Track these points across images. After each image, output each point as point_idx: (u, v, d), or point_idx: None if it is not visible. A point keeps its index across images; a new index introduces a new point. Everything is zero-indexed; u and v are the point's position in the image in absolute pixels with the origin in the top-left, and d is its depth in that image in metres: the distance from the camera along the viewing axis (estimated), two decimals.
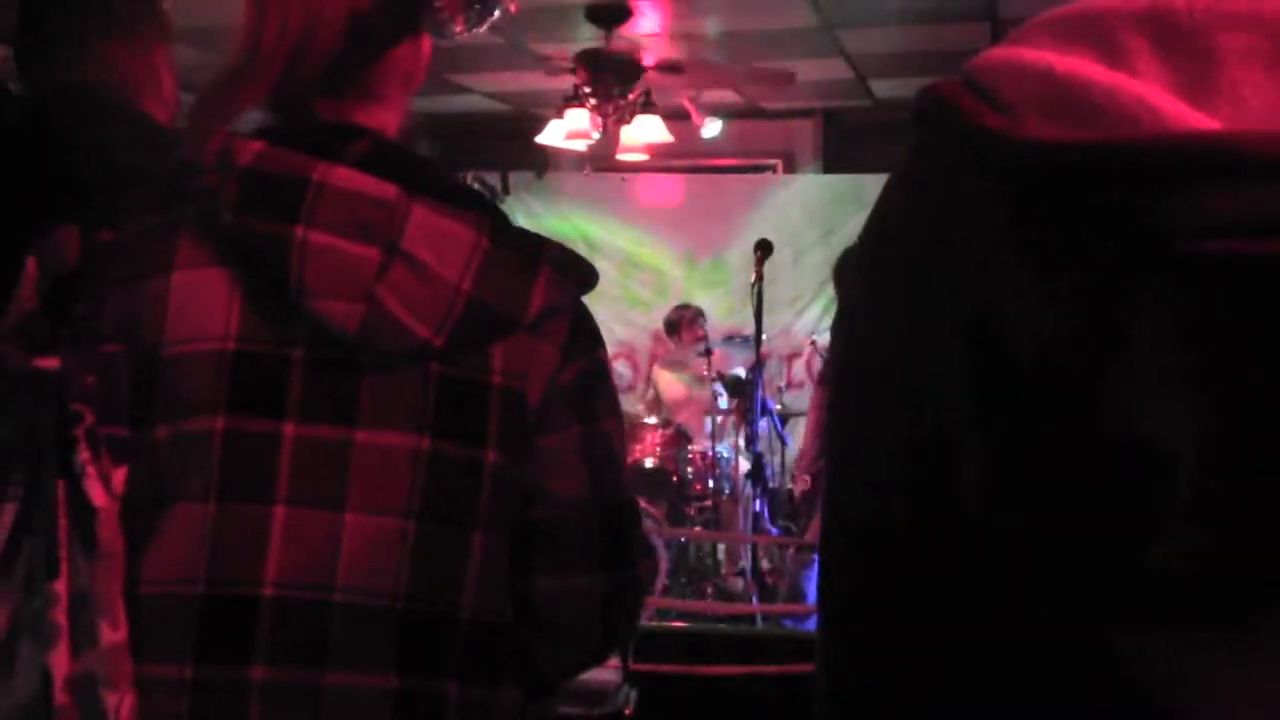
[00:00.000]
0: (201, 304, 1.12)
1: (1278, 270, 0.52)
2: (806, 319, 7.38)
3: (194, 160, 1.13)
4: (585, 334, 1.22)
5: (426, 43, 1.24)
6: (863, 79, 7.17)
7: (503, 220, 1.18)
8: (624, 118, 5.98)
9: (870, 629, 0.66)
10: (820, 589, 0.70)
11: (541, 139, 6.33)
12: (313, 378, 1.12)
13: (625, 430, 1.29)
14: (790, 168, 8.23)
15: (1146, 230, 0.54)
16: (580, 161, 7.60)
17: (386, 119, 1.22)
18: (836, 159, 8.06)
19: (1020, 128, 0.58)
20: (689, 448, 6.03)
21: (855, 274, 0.71)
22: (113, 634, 1.06)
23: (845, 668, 0.68)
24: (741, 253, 6.76)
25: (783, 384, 7.13)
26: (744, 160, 8.15)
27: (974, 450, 0.59)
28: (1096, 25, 0.60)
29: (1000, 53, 0.62)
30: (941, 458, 0.61)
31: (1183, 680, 0.56)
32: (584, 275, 1.20)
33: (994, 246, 0.59)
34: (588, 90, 5.78)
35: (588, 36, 5.86)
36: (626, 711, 2.51)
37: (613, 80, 5.75)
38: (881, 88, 7.36)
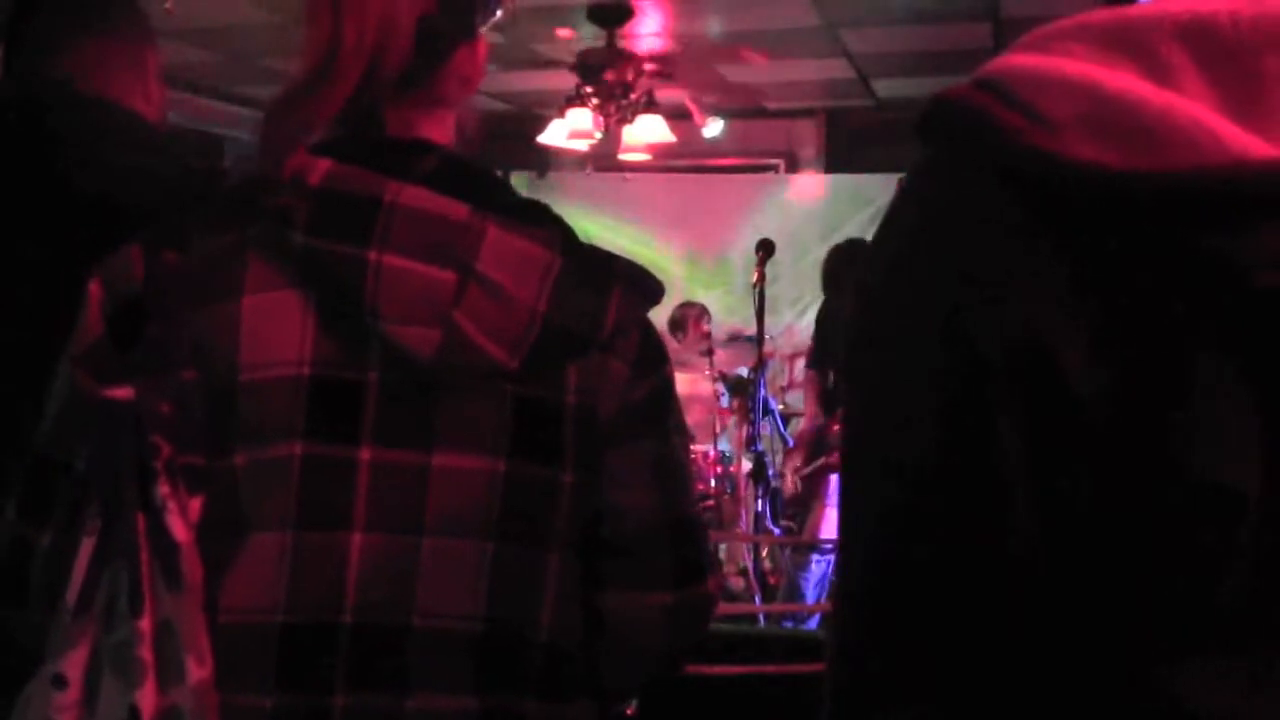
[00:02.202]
0: (275, 328, 1.10)
1: None
2: (808, 319, 7.36)
3: (260, 177, 1.11)
4: (654, 350, 1.21)
5: (483, 44, 1.22)
6: (865, 79, 7.16)
7: (571, 236, 1.17)
8: (626, 117, 5.97)
9: (897, 659, 0.63)
10: (841, 617, 0.67)
11: (543, 139, 6.31)
12: (388, 402, 1.11)
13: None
14: (792, 167, 8.22)
15: (1219, 264, 0.52)
16: (582, 161, 7.59)
17: (450, 122, 1.21)
18: (839, 159, 8.05)
19: (1067, 148, 0.55)
20: (690, 447, 6.02)
21: (867, 302, 0.67)
22: (199, 669, 1.05)
23: (869, 702, 0.65)
24: (743, 253, 6.76)
25: (785, 384, 7.12)
26: (746, 160, 8.15)
27: (1026, 487, 0.57)
28: (1135, 37, 0.57)
29: (1033, 62, 0.59)
30: (986, 494, 0.59)
31: (1235, 708, 0.54)
32: (651, 290, 1.20)
33: (1041, 276, 0.57)
34: (589, 90, 5.77)
35: (589, 36, 5.86)
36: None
37: (614, 80, 5.74)
38: (884, 87, 7.36)
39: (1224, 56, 0.55)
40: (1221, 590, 0.54)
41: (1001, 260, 0.58)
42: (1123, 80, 0.55)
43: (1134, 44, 0.57)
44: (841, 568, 0.68)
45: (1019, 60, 0.60)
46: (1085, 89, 0.56)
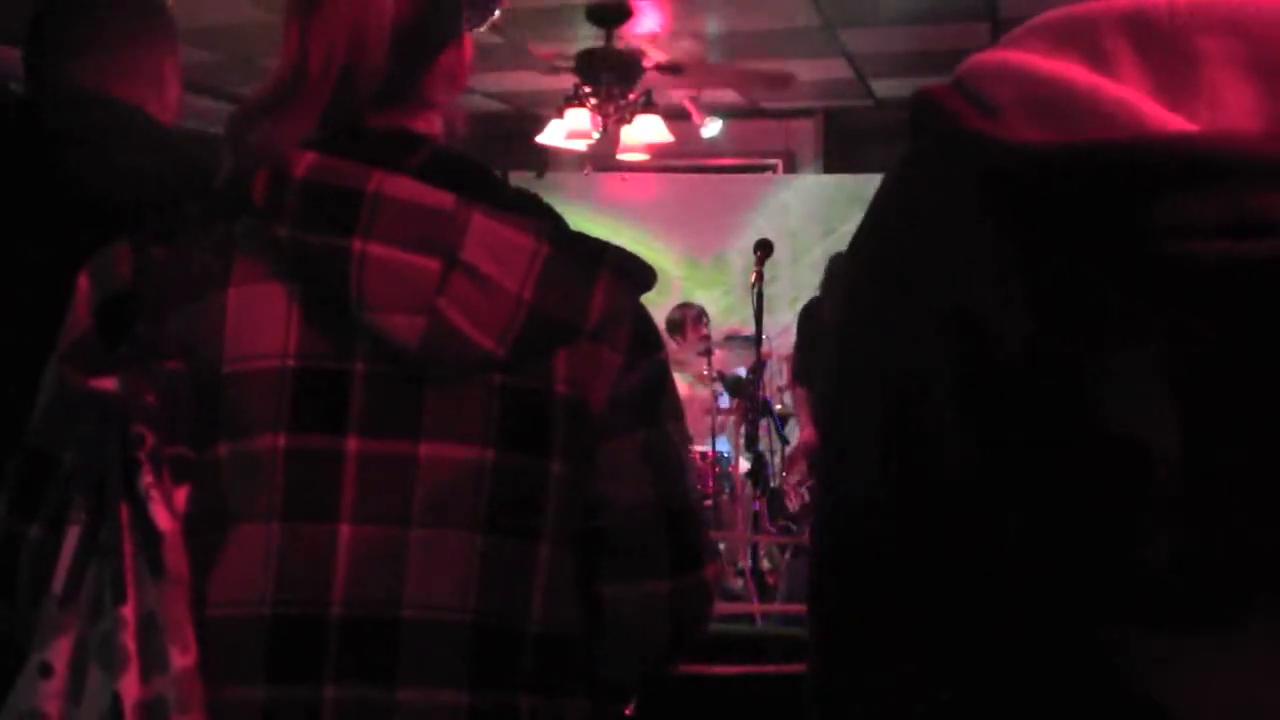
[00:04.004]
0: (260, 320, 1.10)
1: (1257, 270, 0.53)
2: None
3: (246, 173, 1.12)
4: (647, 337, 1.21)
5: (468, 41, 1.22)
6: (863, 79, 7.17)
7: (561, 225, 1.17)
8: (624, 117, 5.98)
9: (861, 625, 0.66)
10: (813, 592, 0.70)
11: (542, 139, 6.33)
12: (374, 392, 1.11)
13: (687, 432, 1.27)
14: (791, 167, 8.24)
15: (1128, 231, 0.55)
16: (580, 161, 7.60)
17: (437, 121, 1.21)
18: (837, 159, 8.07)
19: (1006, 129, 0.59)
20: (689, 447, 6.02)
21: (843, 278, 0.72)
22: (182, 658, 1.05)
23: (842, 673, 0.68)
24: (741, 253, 6.77)
25: (783, 384, 7.12)
26: (744, 160, 8.16)
27: (959, 446, 0.60)
28: (1082, 29, 0.61)
29: (990, 56, 0.64)
30: (927, 453, 0.61)
31: (1168, 674, 0.56)
32: (642, 276, 1.19)
33: (975, 246, 0.60)
34: (588, 90, 5.78)
35: (588, 36, 5.86)
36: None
37: (613, 80, 5.75)
38: (882, 88, 7.37)
39: (1159, 41, 0.58)
40: (1149, 554, 0.55)
41: (945, 235, 0.62)
42: (1058, 66, 0.60)
43: (1081, 36, 0.61)
44: (817, 538, 0.70)
45: (981, 56, 0.64)
46: (1023, 75, 0.60)
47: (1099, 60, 0.59)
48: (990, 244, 0.59)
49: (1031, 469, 0.59)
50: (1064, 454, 0.57)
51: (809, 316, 5.15)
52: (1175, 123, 0.55)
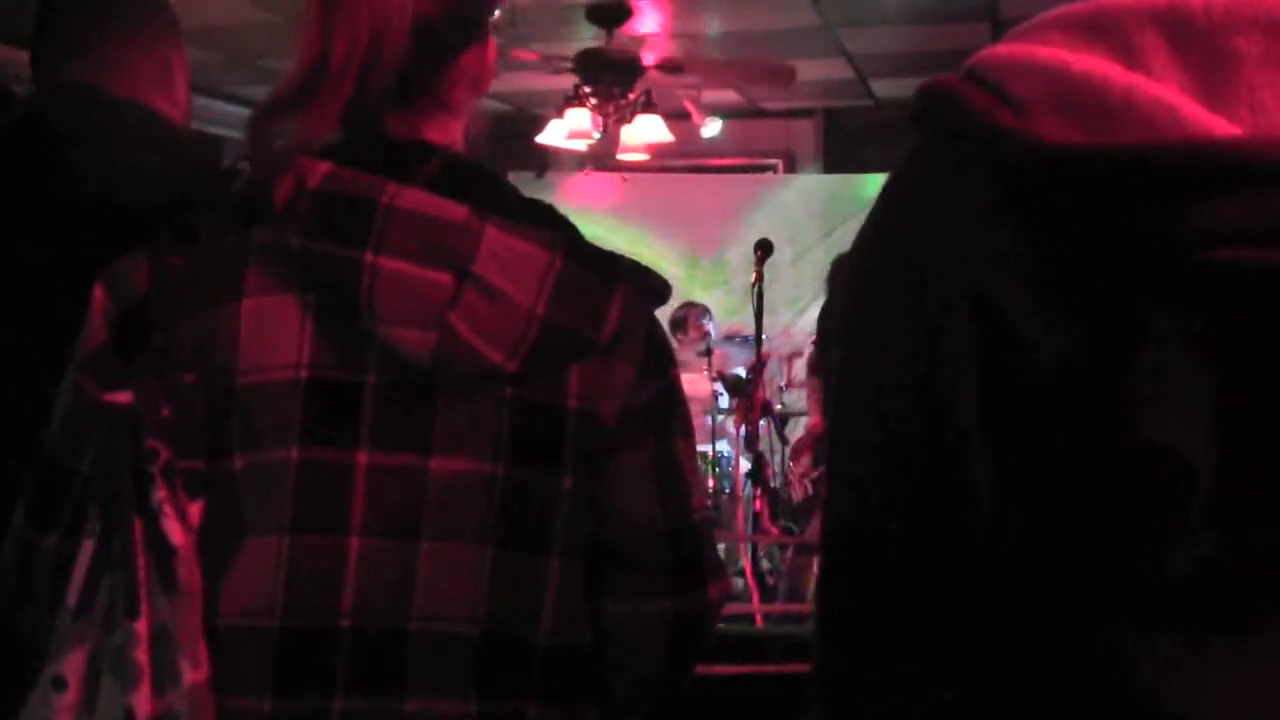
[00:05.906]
0: (273, 331, 1.10)
1: None
2: (807, 319, 7.37)
3: (260, 181, 1.11)
4: (660, 352, 1.20)
5: (492, 45, 1.21)
6: (864, 79, 7.17)
7: (576, 236, 1.16)
8: (624, 117, 5.97)
9: (872, 628, 0.65)
10: (820, 589, 0.70)
11: (542, 139, 6.31)
12: (385, 404, 1.10)
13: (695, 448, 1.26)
14: (791, 167, 8.23)
15: (1165, 238, 0.53)
16: (580, 161, 7.59)
17: (456, 127, 1.20)
18: (837, 159, 8.06)
19: (1032, 127, 0.57)
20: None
21: (849, 279, 0.70)
22: (194, 673, 1.05)
23: (846, 671, 0.67)
24: (742, 253, 6.77)
25: (783, 384, 7.13)
26: (745, 160, 8.16)
27: (983, 453, 0.59)
28: (1110, 23, 0.58)
29: (1009, 49, 0.61)
30: (947, 461, 0.60)
31: (1192, 682, 0.55)
32: (658, 290, 1.18)
33: (1000, 245, 0.58)
34: (588, 90, 5.78)
35: (588, 36, 5.86)
36: None
37: (613, 80, 5.75)
38: (882, 87, 7.36)
39: (1195, 39, 0.56)
40: (1174, 561, 0.54)
41: (964, 234, 0.60)
42: (1090, 62, 0.57)
43: (1108, 30, 0.58)
44: (826, 537, 0.69)
45: (999, 49, 0.62)
46: (1053, 70, 0.58)
47: (1131, 57, 0.57)
48: (1017, 244, 0.58)
49: (1052, 471, 0.57)
50: (1089, 459, 0.56)
51: (827, 313, 5.15)
52: (1218, 125, 0.54)
